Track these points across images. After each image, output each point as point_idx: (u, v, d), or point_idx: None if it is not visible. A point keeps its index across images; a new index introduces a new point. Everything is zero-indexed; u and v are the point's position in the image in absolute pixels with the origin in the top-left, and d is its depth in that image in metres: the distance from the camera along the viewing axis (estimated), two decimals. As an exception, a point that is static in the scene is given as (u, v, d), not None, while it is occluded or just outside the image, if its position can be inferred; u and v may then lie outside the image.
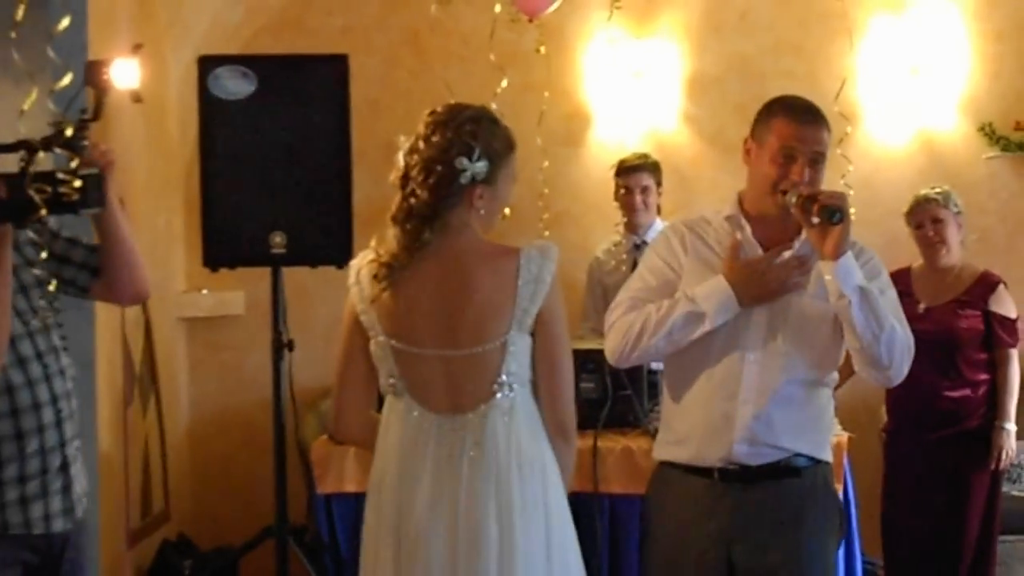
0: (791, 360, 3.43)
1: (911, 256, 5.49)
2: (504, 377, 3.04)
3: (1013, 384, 5.32)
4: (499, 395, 3.04)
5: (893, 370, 3.40)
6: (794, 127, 3.41)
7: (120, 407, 5.38)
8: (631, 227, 5.97)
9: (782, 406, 3.42)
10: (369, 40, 6.76)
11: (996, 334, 5.32)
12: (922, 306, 5.29)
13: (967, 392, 5.31)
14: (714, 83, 6.76)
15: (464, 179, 3.02)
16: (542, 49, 5.96)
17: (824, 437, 3.58)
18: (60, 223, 3.32)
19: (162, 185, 6.19)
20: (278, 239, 4.68)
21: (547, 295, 3.05)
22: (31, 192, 2.77)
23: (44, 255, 3.22)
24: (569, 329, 3.19)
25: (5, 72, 3.41)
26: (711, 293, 3.40)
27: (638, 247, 5.85)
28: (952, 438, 5.28)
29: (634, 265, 5.70)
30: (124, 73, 3.36)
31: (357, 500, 4.14)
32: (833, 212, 3.28)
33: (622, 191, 5.95)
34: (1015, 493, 5.96)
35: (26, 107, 2.92)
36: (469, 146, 3.02)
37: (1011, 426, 5.31)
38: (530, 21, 5.81)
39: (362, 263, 3.12)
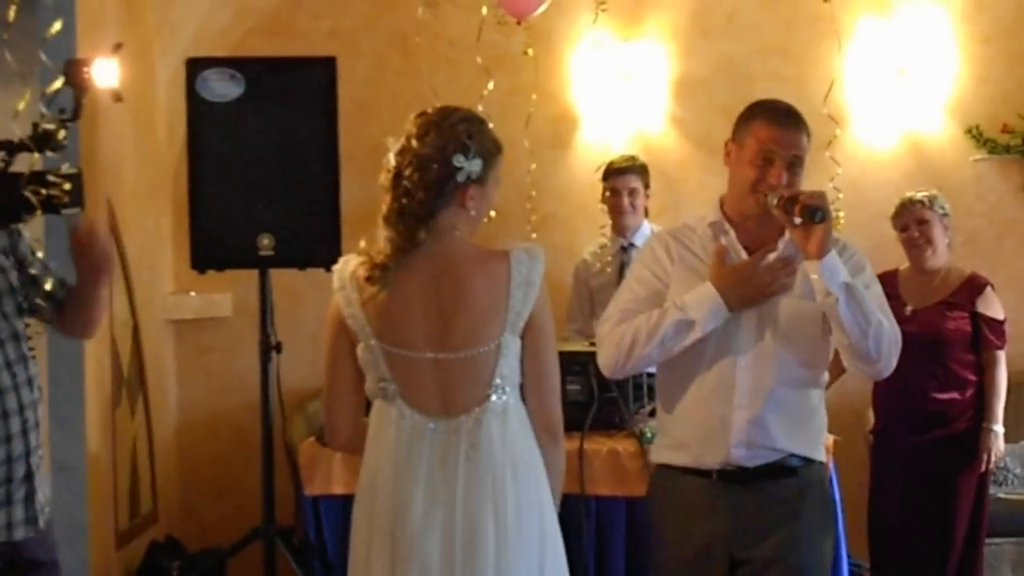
0: (782, 360, 3.45)
1: (899, 259, 5.49)
2: (498, 380, 3.03)
3: (1000, 386, 5.32)
4: (493, 398, 3.03)
5: (882, 363, 3.43)
6: (773, 130, 3.44)
7: (108, 409, 5.38)
8: (618, 229, 5.95)
9: (776, 409, 3.45)
10: (357, 43, 6.77)
11: (984, 336, 5.32)
12: (909, 308, 5.28)
13: (954, 394, 5.30)
14: (701, 85, 6.76)
15: (460, 177, 3.01)
16: (529, 52, 5.95)
17: (817, 437, 3.61)
18: (33, 248, 3.31)
19: (150, 187, 6.18)
20: (266, 241, 4.69)
21: (536, 298, 3.05)
22: (27, 193, 2.77)
23: (40, 254, 3.21)
24: (555, 331, 3.18)
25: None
26: (700, 300, 3.42)
27: (625, 249, 5.86)
28: (939, 440, 5.27)
29: (621, 267, 5.72)
30: (104, 72, 3.36)
31: (345, 502, 4.13)
32: (815, 211, 3.30)
33: (608, 193, 5.94)
34: (1002, 496, 5.96)
35: (20, 107, 2.93)
36: (465, 144, 3.01)
37: (999, 428, 5.30)
38: (518, 24, 5.80)
39: (347, 267, 3.08)
